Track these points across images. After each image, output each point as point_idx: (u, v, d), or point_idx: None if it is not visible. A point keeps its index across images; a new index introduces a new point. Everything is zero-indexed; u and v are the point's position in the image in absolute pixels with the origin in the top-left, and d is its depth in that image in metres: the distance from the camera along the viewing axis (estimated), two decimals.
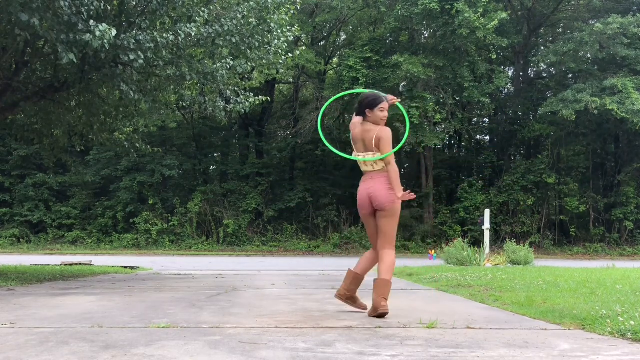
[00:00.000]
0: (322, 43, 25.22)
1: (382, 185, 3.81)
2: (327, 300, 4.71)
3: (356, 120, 3.97)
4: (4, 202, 23.34)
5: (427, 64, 19.14)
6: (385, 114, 3.91)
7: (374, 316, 3.69)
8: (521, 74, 24.67)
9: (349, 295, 3.96)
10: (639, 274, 7.34)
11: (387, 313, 3.63)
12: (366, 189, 3.85)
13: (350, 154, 4.00)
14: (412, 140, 19.38)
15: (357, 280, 3.96)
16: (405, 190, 3.79)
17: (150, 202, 22.44)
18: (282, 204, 22.67)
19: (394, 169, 3.83)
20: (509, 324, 3.50)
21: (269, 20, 7.40)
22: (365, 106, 3.90)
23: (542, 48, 24.21)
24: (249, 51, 7.29)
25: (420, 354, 2.55)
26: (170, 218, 22.35)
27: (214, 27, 6.67)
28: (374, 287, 3.70)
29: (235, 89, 8.23)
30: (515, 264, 10.42)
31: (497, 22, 18.14)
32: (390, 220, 3.83)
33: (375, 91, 4.07)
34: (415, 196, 3.92)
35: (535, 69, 25.53)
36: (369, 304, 3.87)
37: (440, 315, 3.73)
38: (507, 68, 25.47)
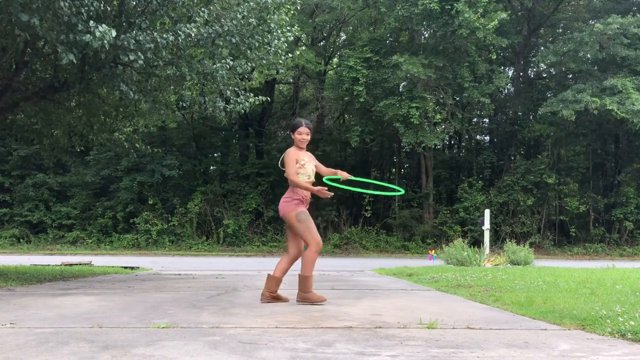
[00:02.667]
0: (322, 43, 25.23)
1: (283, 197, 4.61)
2: (327, 301, 4.71)
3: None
4: (4, 202, 23.34)
5: (427, 64, 19.14)
6: (301, 137, 4.65)
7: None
8: (521, 74, 24.67)
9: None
10: (639, 274, 7.34)
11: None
12: None
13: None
14: (412, 140, 19.39)
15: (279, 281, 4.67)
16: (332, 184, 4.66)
17: (150, 202, 22.44)
18: None
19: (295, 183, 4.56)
20: (509, 324, 3.50)
21: (269, 21, 7.40)
22: (289, 130, 4.81)
23: (542, 48, 24.21)
24: (249, 51, 7.29)
25: (420, 354, 2.55)
26: (170, 218, 22.35)
27: (214, 27, 6.67)
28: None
29: (235, 89, 8.22)
30: (515, 264, 10.42)
31: (497, 22, 18.14)
32: (293, 227, 4.53)
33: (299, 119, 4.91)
34: (329, 194, 4.53)
35: (535, 69, 25.53)
36: (364, 304, 3.87)
37: (440, 315, 3.73)
38: (507, 68, 25.47)
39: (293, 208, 4.47)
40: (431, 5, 18.16)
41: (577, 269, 8.80)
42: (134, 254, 18.85)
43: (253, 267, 11.39)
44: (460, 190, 22.10)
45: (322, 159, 23.91)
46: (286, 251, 4.66)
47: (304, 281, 4.43)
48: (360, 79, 19.44)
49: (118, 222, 22.58)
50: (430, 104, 19.33)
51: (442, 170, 24.10)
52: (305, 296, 4.44)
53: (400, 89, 20.87)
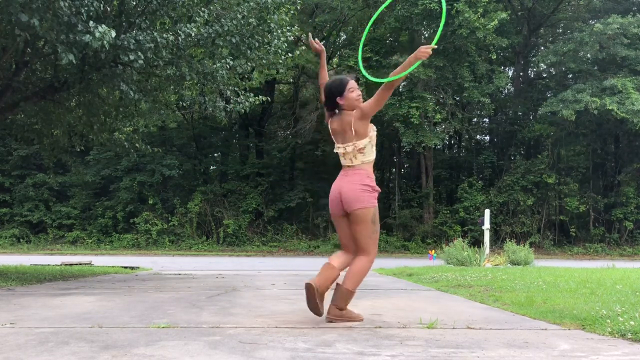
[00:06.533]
0: (322, 43, 25.19)
1: (354, 184, 3.40)
2: (327, 301, 4.71)
3: (331, 115, 3.62)
4: (4, 202, 23.35)
5: (427, 64, 19.14)
6: (358, 92, 3.51)
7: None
8: (521, 74, 24.68)
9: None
10: (639, 274, 7.34)
11: (331, 321, 3.43)
12: (340, 186, 3.46)
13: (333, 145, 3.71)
14: (412, 140, 19.39)
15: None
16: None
17: (150, 202, 22.44)
18: (282, 204, 22.67)
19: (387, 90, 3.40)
20: (509, 324, 3.50)
21: (269, 21, 7.41)
22: (335, 95, 3.52)
23: (542, 48, 24.23)
24: (249, 51, 7.30)
25: (420, 354, 2.55)
26: (170, 218, 22.35)
27: (214, 27, 6.67)
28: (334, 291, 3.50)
29: (235, 89, 8.23)
30: (515, 264, 10.42)
31: (497, 22, 18.15)
32: (361, 227, 3.37)
33: (337, 76, 3.71)
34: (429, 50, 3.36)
35: (535, 69, 25.54)
36: (364, 304, 3.82)
37: (440, 315, 3.73)
38: (507, 68, 25.48)
39: (373, 202, 3.39)
40: (431, 5, 18.17)
41: (577, 269, 8.80)
42: (134, 254, 18.85)
43: (253, 267, 11.39)
44: (460, 190, 22.11)
45: (323, 158, 23.70)
46: (343, 252, 3.55)
47: (347, 296, 3.42)
48: (361, 79, 19.42)
49: (118, 222, 22.59)
50: (430, 103, 19.33)
51: (442, 170, 24.10)
52: (341, 313, 3.45)
53: (400, 89, 20.87)
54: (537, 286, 5.55)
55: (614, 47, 19.56)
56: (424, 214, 22.37)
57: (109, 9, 6.23)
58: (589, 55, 20.76)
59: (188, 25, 6.32)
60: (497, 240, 20.27)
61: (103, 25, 5.37)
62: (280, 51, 7.81)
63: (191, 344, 2.75)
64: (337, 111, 3.57)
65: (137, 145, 9.34)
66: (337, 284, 3.46)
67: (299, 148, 24.27)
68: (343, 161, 3.54)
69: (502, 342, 2.87)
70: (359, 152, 3.46)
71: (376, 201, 3.45)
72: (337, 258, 3.52)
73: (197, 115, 22.49)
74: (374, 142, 3.52)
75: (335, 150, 3.60)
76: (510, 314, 3.96)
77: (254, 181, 23.61)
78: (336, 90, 3.52)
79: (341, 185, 3.44)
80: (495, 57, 20.59)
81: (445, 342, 2.83)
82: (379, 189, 3.49)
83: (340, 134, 3.52)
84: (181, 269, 10.48)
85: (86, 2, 5.47)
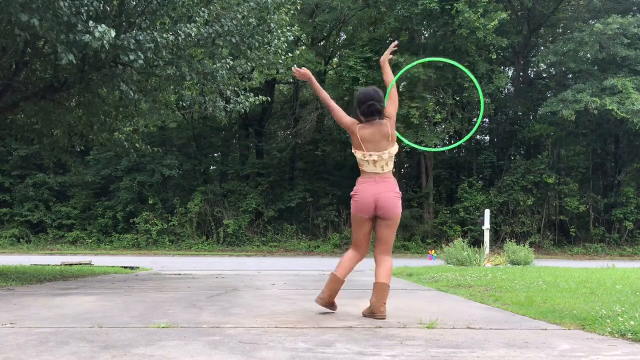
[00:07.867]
0: (322, 43, 25.21)
1: (391, 191, 3.71)
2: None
3: (361, 122, 3.77)
4: (4, 202, 23.34)
5: (427, 64, 19.15)
6: None
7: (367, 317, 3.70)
8: (521, 74, 24.67)
9: (331, 301, 3.86)
10: (639, 274, 7.34)
11: (384, 319, 3.60)
12: (375, 193, 3.67)
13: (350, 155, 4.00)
14: (412, 140, 19.39)
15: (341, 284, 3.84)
16: None
17: (150, 202, 22.44)
18: (282, 204, 22.66)
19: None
20: (509, 324, 3.50)
21: (269, 20, 7.41)
22: (378, 102, 3.71)
23: (542, 48, 24.22)
24: (249, 51, 7.30)
25: (420, 354, 2.55)
26: (170, 218, 22.34)
27: (214, 27, 6.68)
28: (375, 291, 3.68)
29: (235, 89, 8.23)
30: (515, 264, 10.42)
31: (497, 22, 18.15)
32: (394, 229, 3.84)
33: (370, 86, 3.93)
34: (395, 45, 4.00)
35: (535, 69, 25.53)
36: (365, 304, 3.82)
37: (440, 315, 3.73)
38: (507, 68, 25.47)
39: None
40: (431, 5, 18.17)
41: (577, 268, 8.80)
42: (134, 254, 18.85)
43: (253, 267, 11.39)
44: (460, 190, 22.10)
45: (323, 158, 23.58)
46: (356, 250, 3.93)
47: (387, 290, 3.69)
48: (360, 79, 19.43)
49: (118, 222, 22.58)
50: (430, 103, 19.33)
51: (442, 170, 24.10)
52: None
53: (400, 89, 20.88)
54: (537, 286, 5.55)
55: (614, 47, 19.55)
56: (424, 214, 22.37)
57: (108, 8, 6.23)
58: (589, 55, 20.74)
59: (188, 25, 6.32)
60: (497, 240, 20.26)
61: (103, 25, 5.36)
62: (280, 51, 7.81)
63: (191, 344, 2.75)
64: (378, 119, 3.71)
65: (137, 145, 9.34)
66: (378, 282, 3.66)
67: (299, 148, 24.27)
68: (372, 168, 3.71)
69: (502, 342, 2.87)
70: (390, 159, 3.74)
71: None
72: (344, 269, 3.82)
73: (197, 115, 22.47)
74: None
75: (365, 158, 3.70)
76: (510, 314, 3.96)
77: (254, 181, 23.61)
78: (378, 97, 3.72)
79: (379, 192, 3.68)
80: (495, 57, 20.58)
81: (445, 342, 2.84)
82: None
83: (373, 142, 3.69)
84: (181, 269, 10.48)
85: (86, 2, 5.46)
